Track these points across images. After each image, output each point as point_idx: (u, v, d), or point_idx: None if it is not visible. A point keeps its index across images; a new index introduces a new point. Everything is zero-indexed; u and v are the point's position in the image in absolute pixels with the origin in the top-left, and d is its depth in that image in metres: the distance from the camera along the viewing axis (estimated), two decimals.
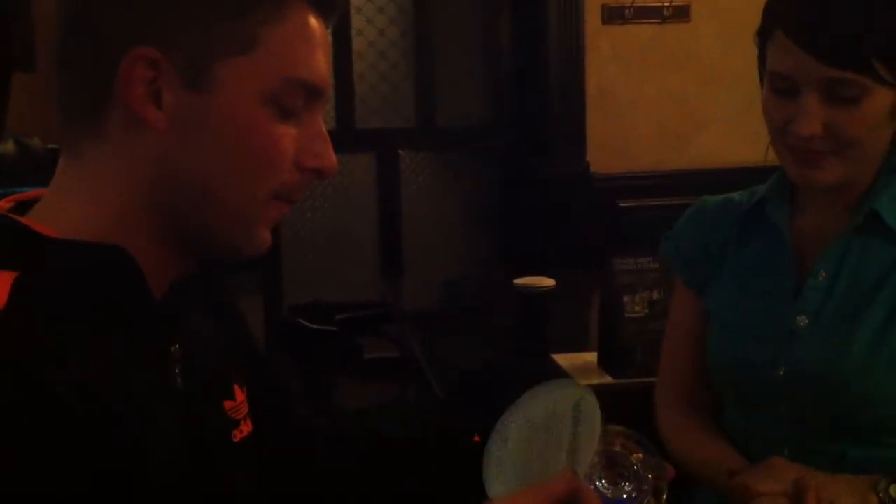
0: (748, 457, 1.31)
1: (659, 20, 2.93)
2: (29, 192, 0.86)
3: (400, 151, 3.54)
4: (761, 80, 1.27)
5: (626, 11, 2.90)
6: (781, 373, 1.28)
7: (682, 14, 2.95)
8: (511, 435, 0.96)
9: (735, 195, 1.42)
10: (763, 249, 1.35)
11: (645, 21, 2.94)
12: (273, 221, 0.86)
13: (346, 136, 3.40)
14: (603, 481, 0.97)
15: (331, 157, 0.86)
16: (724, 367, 1.36)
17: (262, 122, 0.81)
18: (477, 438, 1.15)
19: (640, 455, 1.00)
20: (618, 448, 1.02)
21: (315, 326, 2.71)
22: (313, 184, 0.87)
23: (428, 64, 3.53)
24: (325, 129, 0.86)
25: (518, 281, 2.42)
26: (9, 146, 2.51)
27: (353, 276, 3.43)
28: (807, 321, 1.28)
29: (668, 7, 2.92)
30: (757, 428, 1.33)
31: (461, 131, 3.52)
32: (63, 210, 0.82)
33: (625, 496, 0.99)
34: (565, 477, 0.88)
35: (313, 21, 0.84)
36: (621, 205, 2.90)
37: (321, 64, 0.84)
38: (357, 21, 3.46)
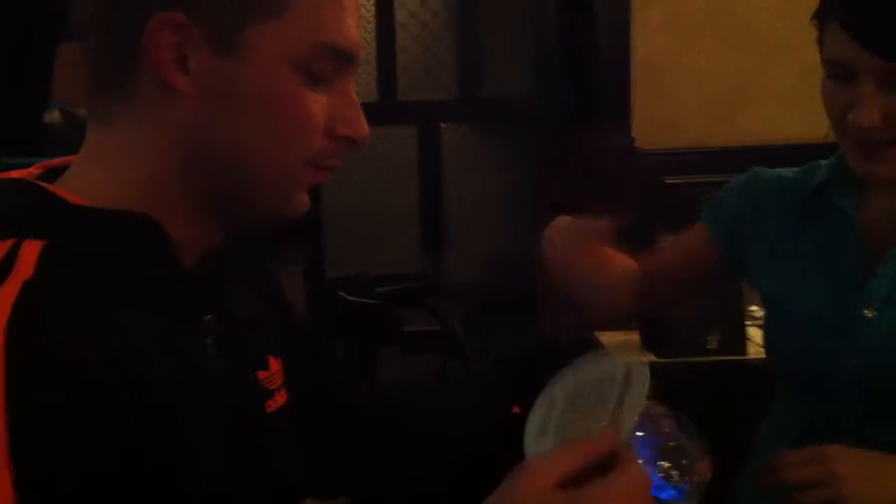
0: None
1: None
2: (58, 159, 0.85)
3: (441, 125, 3.51)
4: (822, 62, 1.23)
5: None
6: (851, 362, 1.24)
7: None
8: (558, 398, 0.92)
9: (789, 173, 1.38)
10: (827, 235, 1.30)
11: None
12: (310, 185, 0.84)
13: (387, 109, 3.38)
14: (641, 461, 0.95)
15: (362, 126, 0.84)
16: (787, 354, 1.32)
17: (292, 88, 0.79)
18: (516, 409, 1.13)
19: (684, 439, 0.97)
20: (666, 430, 0.99)
21: (355, 299, 2.70)
22: (344, 151, 0.85)
23: (471, 35, 3.50)
24: (356, 97, 0.84)
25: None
26: (55, 115, 2.52)
27: (394, 248, 3.42)
28: (875, 312, 1.24)
29: None
30: (817, 419, 1.30)
31: (504, 104, 3.49)
32: (91, 177, 0.81)
33: (662, 475, 0.97)
34: (605, 436, 0.83)
35: None
36: (667, 181, 2.85)
37: (352, 29, 0.82)
38: None
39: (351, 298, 2.68)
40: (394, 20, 3.43)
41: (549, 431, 0.88)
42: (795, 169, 1.38)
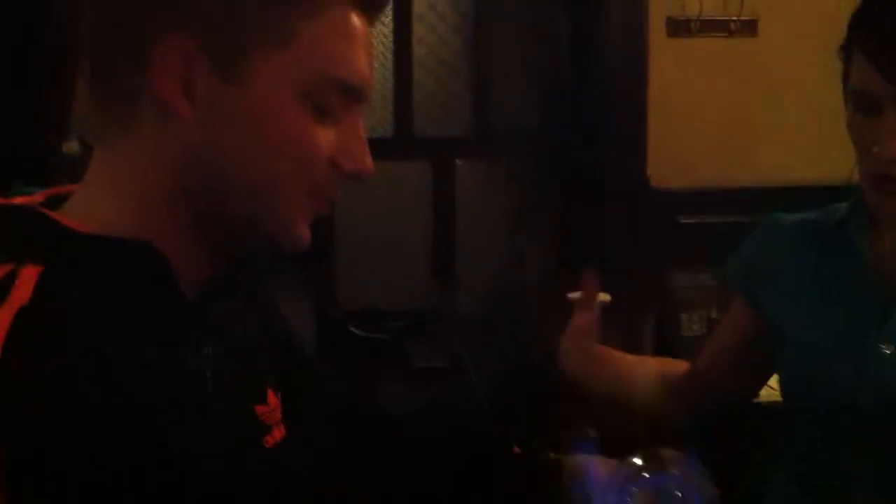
0: (822, 488, 1.26)
1: (726, 34, 2.87)
2: (63, 187, 0.85)
3: (457, 161, 3.51)
4: (845, 97, 1.23)
5: (693, 25, 2.84)
6: (864, 399, 1.23)
7: (750, 28, 2.89)
8: None
9: (808, 215, 1.38)
10: (846, 274, 1.29)
11: (711, 35, 2.88)
12: (310, 218, 0.84)
13: (402, 144, 3.38)
14: None
15: (367, 161, 0.83)
16: (803, 393, 1.31)
17: (297, 119, 0.79)
18: (517, 450, 1.12)
19: (693, 485, 0.95)
20: (674, 474, 0.97)
21: (364, 334, 2.69)
22: (346, 183, 0.84)
23: (488, 73, 3.50)
24: (363, 132, 0.83)
25: (571, 295, 2.37)
26: (73, 146, 2.52)
27: (406, 284, 3.40)
28: (892, 350, 1.23)
29: (735, 21, 2.86)
30: (833, 463, 1.28)
31: (519, 142, 3.49)
32: (93, 203, 0.80)
33: None
34: None
35: (355, 18, 0.81)
36: (681, 221, 2.83)
37: (361, 63, 0.81)
38: (418, 29, 3.44)
39: (361, 333, 2.67)
40: (412, 56, 3.44)
41: None
42: (815, 211, 1.37)
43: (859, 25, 1.19)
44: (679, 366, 1.50)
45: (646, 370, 1.47)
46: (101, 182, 0.81)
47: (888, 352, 1.23)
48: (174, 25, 0.77)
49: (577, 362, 1.43)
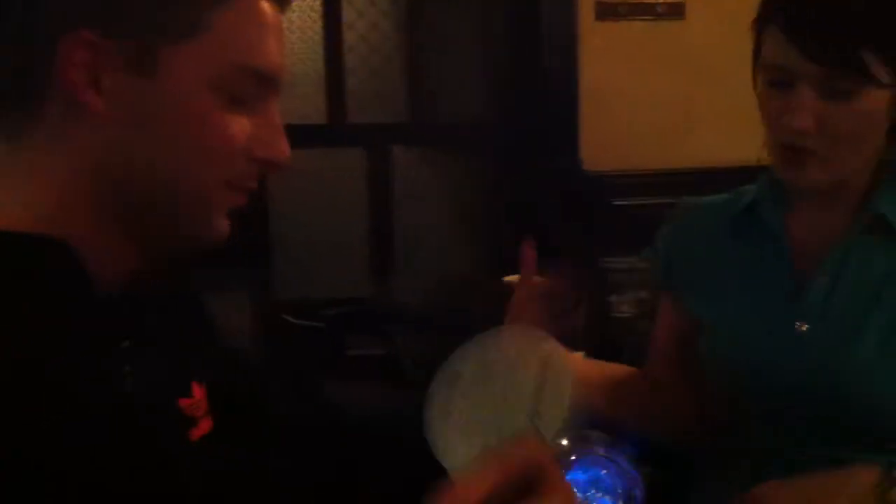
0: (750, 471, 1.28)
1: (653, 17, 2.89)
2: None
3: (393, 147, 3.50)
4: (754, 71, 1.24)
5: (620, 8, 2.86)
6: (784, 378, 1.25)
7: (676, 11, 2.91)
8: (461, 376, 0.78)
9: (717, 198, 1.39)
10: (759, 253, 1.31)
11: (639, 18, 2.90)
12: (227, 209, 0.83)
13: (336, 131, 3.36)
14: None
15: (283, 149, 0.83)
16: (727, 375, 1.32)
17: (210, 109, 0.78)
18: None
19: (618, 465, 0.97)
20: (599, 455, 0.99)
21: (299, 322, 2.68)
22: (266, 173, 0.84)
23: (421, 59, 3.49)
24: (278, 119, 0.83)
25: (506, 279, 2.38)
26: None
27: (343, 272, 3.39)
28: (807, 327, 1.24)
29: (661, 4, 2.88)
30: (759, 437, 1.29)
31: (454, 127, 3.49)
32: (2, 199, 0.79)
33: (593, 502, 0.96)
34: (529, 444, 0.70)
35: (265, 5, 0.81)
36: (614, 203, 2.86)
37: (273, 50, 0.81)
38: (348, 14, 3.42)
39: (295, 321, 2.66)
40: (342, 43, 3.42)
41: (453, 416, 0.76)
42: (723, 195, 1.39)
43: (777, 3, 1.21)
44: (626, 371, 1.45)
45: (604, 377, 1.41)
46: (7, 176, 0.80)
47: (804, 329, 1.25)
48: (82, 18, 0.76)
49: None
